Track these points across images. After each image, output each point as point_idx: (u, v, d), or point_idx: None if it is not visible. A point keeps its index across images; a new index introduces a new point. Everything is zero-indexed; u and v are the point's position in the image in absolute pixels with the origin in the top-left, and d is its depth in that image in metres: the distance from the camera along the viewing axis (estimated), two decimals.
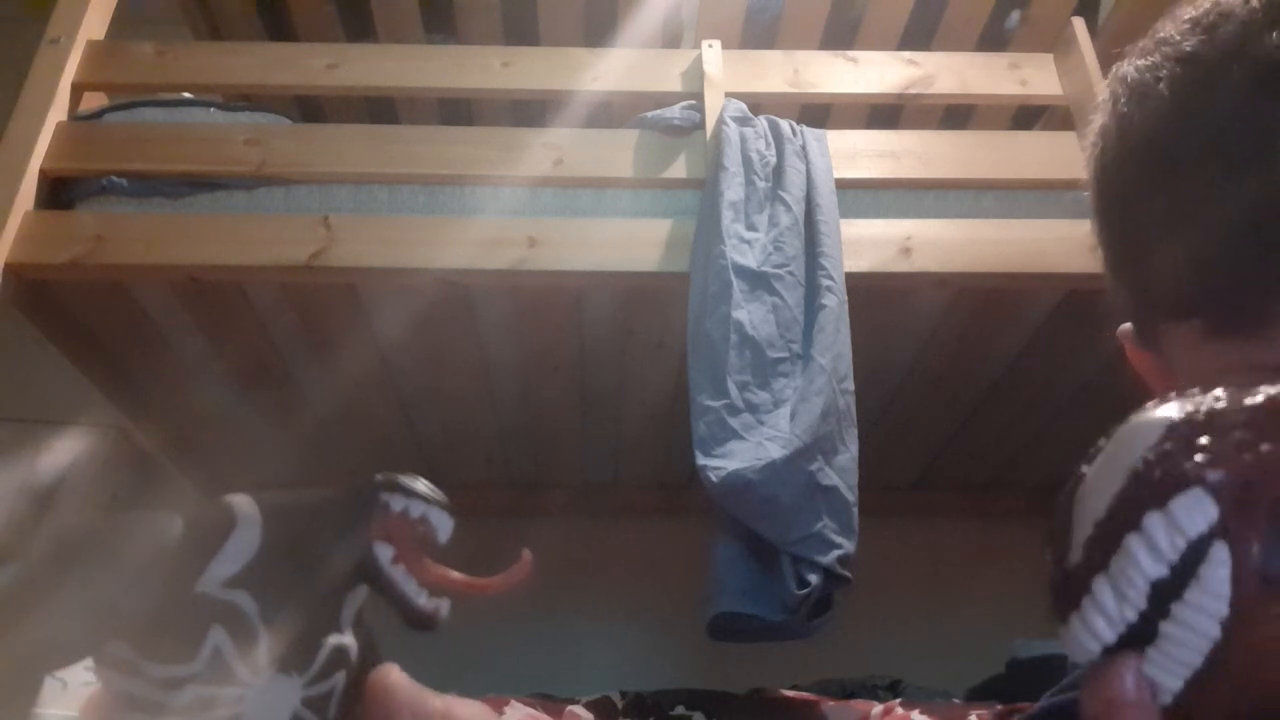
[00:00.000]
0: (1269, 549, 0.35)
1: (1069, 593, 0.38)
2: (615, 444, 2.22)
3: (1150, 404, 0.40)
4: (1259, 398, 0.38)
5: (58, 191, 1.62)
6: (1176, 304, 0.46)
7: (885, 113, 2.29)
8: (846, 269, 1.53)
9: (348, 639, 0.56)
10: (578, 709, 1.41)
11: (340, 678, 0.53)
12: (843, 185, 1.63)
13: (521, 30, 2.42)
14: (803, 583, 1.33)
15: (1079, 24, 1.80)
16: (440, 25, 2.42)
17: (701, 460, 1.35)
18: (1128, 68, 0.46)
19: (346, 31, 2.44)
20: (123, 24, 1.87)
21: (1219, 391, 0.38)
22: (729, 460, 1.34)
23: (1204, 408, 0.38)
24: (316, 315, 1.71)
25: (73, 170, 1.62)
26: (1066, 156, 1.70)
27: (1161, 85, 0.44)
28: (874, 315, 1.63)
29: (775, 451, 1.33)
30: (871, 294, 1.58)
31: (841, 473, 1.40)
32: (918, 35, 2.35)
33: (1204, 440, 0.36)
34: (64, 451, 2.08)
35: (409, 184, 1.63)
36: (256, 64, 1.81)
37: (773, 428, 1.38)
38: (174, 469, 2.24)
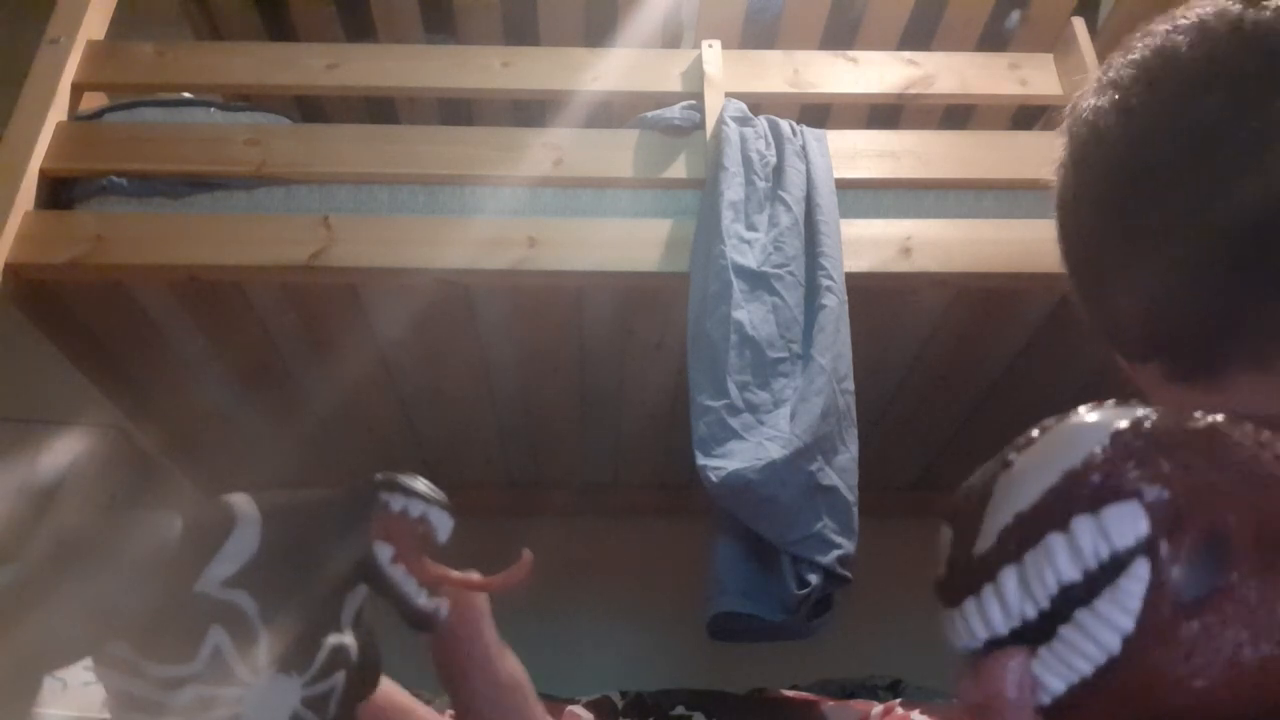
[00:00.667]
0: (1189, 575, 0.34)
1: (969, 578, 0.38)
2: (615, 444, 2.22)
3: (1090, 406, 0.39)
4: (1202, 424, 0.38)
5: (58, 191, 1.62)
6: (1136, 347, 0.46)
7: (885, 113, 2.29)
8: (846, 269, 1.53)
9: (348, 638, 0.56)
10: (578, 709, 1.41)
11: (340, 677, 0.53)
12: (843, 185, 1.63)
13: (521, 30, 2.42)
14: (803, 583, 1.33)
15: (1079, 24, 1.81)
16: (440, 25, 2.42)
17: (701, 460, 1.35)
18: (1084, 105, 0.47)
19: (346, 31, 2.44)
20: (123, 24, 1.87)
21: (1165, 410, 0.38)
22: (729, 460, 1.34)
23: (1149, 423, 0.37)
24: (316, 315, 1.71)
25: (73, 170, 1.62)
26: None
27: (1110, 132, 0.44)
28: (874, 315, 1.63)
29: (775, 451, 1.33)
30: (871, 294, 1.58)
31: (841, 473, 1.40)
32: (918, 35, 2.35)
33: (1146, 455, 0.36)
34: (64, 451, 2.08)
35: (409, 184, 1.63)
36: (256, 64, 1.81)
37: (773, 428, 1.38)
38: (174, 469, 2.24)
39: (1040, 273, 1.58)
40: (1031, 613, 0.36)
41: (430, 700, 1.41)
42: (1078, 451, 0.37)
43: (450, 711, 1.30)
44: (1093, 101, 0.46)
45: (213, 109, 1.74)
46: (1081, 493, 0.36)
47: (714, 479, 1.32)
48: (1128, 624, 0.34)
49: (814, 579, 1.32)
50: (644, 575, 2.24)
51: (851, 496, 1.39)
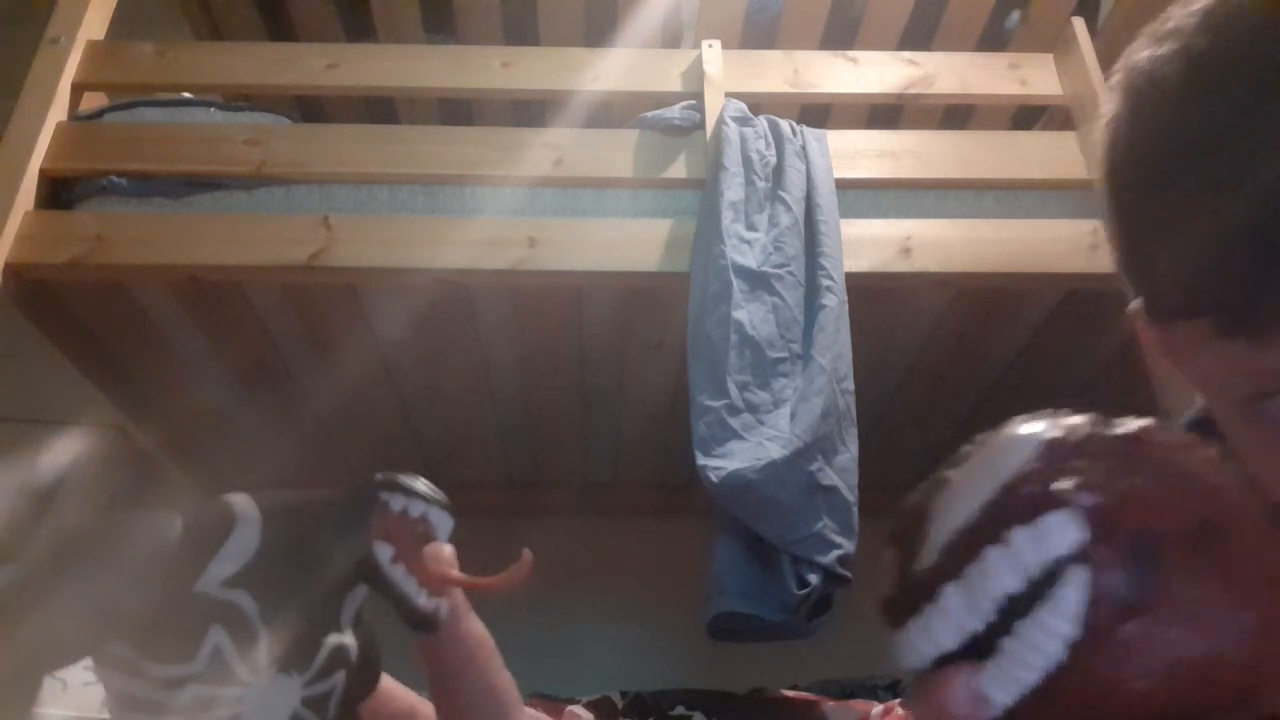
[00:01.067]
0: (1125, 579, 0.35)
1: (913, 596, 0.38)
2: (615, 444, 2.22)
3: (1022, 419, 0.40)
4: (1130, 429, 0.38)
5: (58, 191, 1.62)
6: (1185, 302, 0.46)
7: (885, 113, 2.28)
8: (846, 269, 1.53)
9: (348, 638, 0.56)
10: (578, 709, 1.41)
11: (340, 677, 0.53)
12: (843, 185, 1.63)
13: (521, 30, 2.42)
14: (803, 583, 1.33)
15: (1079, 24, 1.80)
16: (440, 25, 2.42)
17: (701, 460, 1.35)
18: (1140, 56, 0.46)
19: (346, 31, 2.44)
20: (123, 24, 1.87)
21: (1091, 418, 0.39)
22: (729, 460, 1.34)
23: (1078, 432, 0.38)
24: (316, 315, 1.71)
25: (73, 170, 1.62)
26: (1066, 156, 1.70)
27: (1170, 79, 0.43)
28: (874, 315, 1.63)
29: (775, 451, 1.33)
30: (871, 294, 1.58)
31: (841, 473, 1.40)
32: (918, 35, 2.35)
33: (1077, 464, 0.36)
34: (64, 451, 2.08)
35: (409, 184, 1.63)
36: (256, 64, 1.81)
37: (773, 428, 1.38)
38: (174, 469, 2.24)
39: (1040, 273, 1.58)
40: (976, 627, 0.36)
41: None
42: (1011, 464, 0.37)
43: None
44: (1151, 51, 0.45)
45: (213, 109, 1.74)
46: (1017, 504, 0.36)
47: (714, 479, 1.32)
48: (1070, 631, 0.34)
49: (814, 579, 1.32)
50: (644, 575, 2.24)
51: (851, 496, 1.39)
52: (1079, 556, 0.34)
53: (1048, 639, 0.34)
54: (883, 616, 0.41)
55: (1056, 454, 0.37)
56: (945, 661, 0.37)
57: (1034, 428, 0.39)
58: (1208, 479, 0.37)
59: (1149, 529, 0.35)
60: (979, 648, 0.36)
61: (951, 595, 0.36)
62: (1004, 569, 0.35)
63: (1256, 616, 0.34)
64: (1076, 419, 0.38)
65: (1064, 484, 0.35)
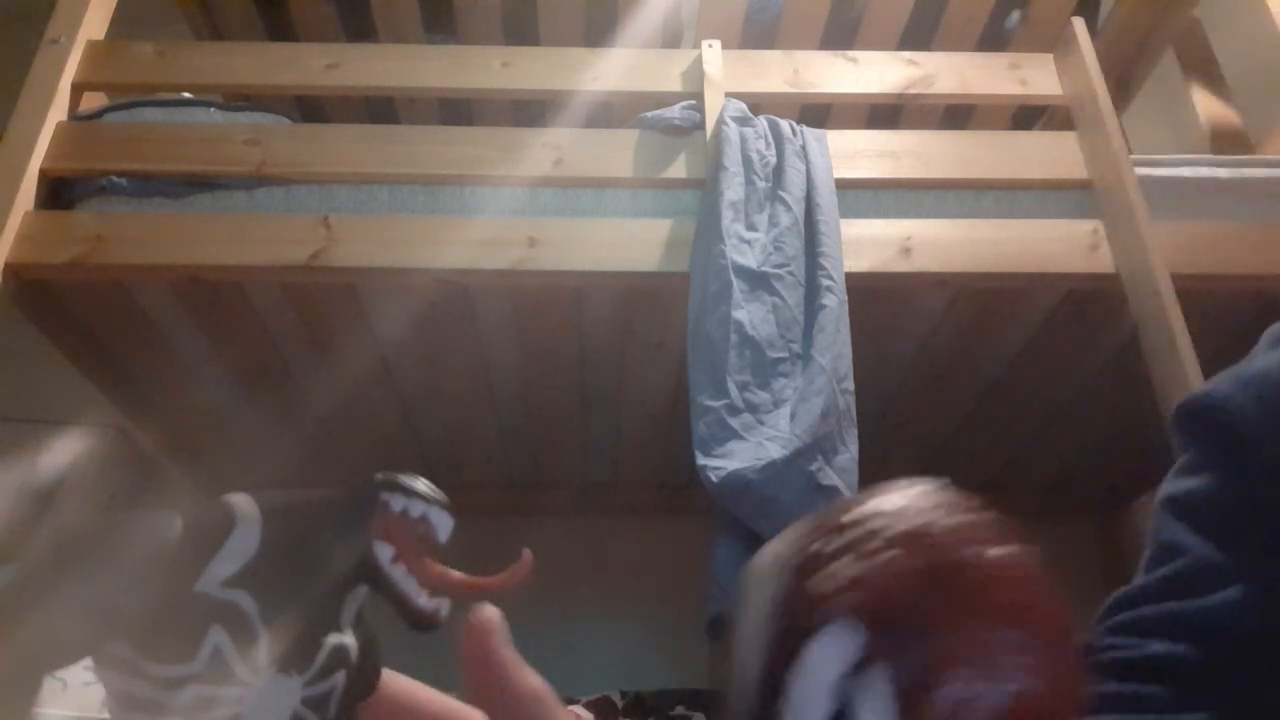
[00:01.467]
0: (915, 658, 0.34)
1: None
2: (615, 444, 2.22)
3: (773, 542, 0.40)
4: (861, 508, 0.38)
5: (58, 191, 1.62)
6: None
7: (885, 113, 2.28)
8: (846, 269, 1.53)
9: (348, 638, 0.56)
10: (578, 709, 1.41)
11: (340, 677, 0.53)
12: (843, 185, 1.63)
13: (521, 30, 2.42)
14: None
15: (1079, 24, 1.80)
16: (440, 25, 2.42)
17: (701, 460, 1.35)
18: None
19: (346, 31, 2.44)
20: (123, 24, 1.87)
21: (821, 515, 0.39)
22: (729, 460, 1.34)
23: (805, 537, 0.37)
24: (316, 315, 1.71)
25: (73, 170, 1.62)
26: (1066, 156, 1.70)
27: None
28: (874, 315, 1.63)
29: (775, 451, 1.33)
30: (871, 294, 1.58)
31: (841, 473, 1.40)
32: (918, 35, 2.35)
33: (825, 568, 0.36)
34: (64, 451, 2.08)
35: (409, 184, 1.63)
36: (256, 64, 1.81)
37: (773, 428, 1.38)
38: (174, 469, 2.24)
39: (1040, 273, 1.58)
40: None
41: None
42: (765, 595, 0.37)
43: None
44: None
45: (213, 109, 1.74)
46: (790, 634, 0.36)
47: (714, 479, 1.32)
48: None
49: None
50: (644, 575, 2.24)
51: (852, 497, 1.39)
52: (869, 657, 0.34)
53: None
54: None
55: (798, 567, 0.36)
56: None
57: (775, 545, 0.39)
58: (954, 523, 0.36)
59: (912, 603, 0.34)
60: None
61: None
62: (810, 700, 0.34)
63: (1037, 642, 0.34)
64: (802, 523, 0.38)
65: (818, 595, 0.35)
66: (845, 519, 0.38)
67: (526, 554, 0.75)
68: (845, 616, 0.34)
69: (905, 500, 0.38)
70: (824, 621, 0.34)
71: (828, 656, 0.34)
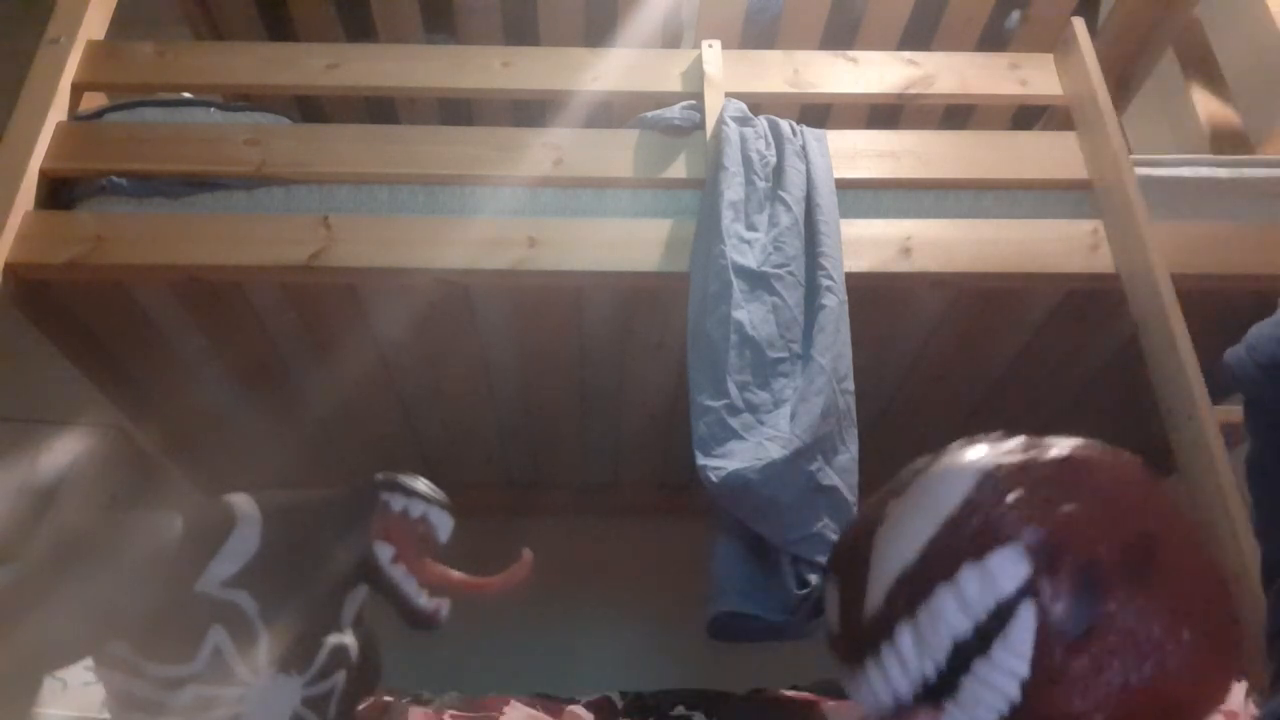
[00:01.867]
0: (1071, 611, 0.34)
1: (865, 638, 0.37)
2: (615, 444, 2.22)
3: (960, 444, 0.39)
4: (1065, 451, 0.38)
5: (58, 191, 1.62)
6: None
7: (885, 113, 2.28)
8: (846, 269, 1.53)
9: (348, 638, 0.56)
10: (578, 709, 1.41)
11: (340, 677, 0.54)
12: (843, 185, 1.63)
13: (521, 30, 2.42)
14: (803, 583, 1.33)
15: (1079, 24, 1.80)
16: (440, 25, 2.42)
17: (701, 460, 1.35)
18: None
19: (346, 31, 2.44)
20: (123, 24, 1.87)
21: (1024, 441, 0.38)
22: (729, 460, 1.34)
23: (1014, 459, 0.37)
24: (316, 315, 1.71)
25: (73, 170, 1.62)
26: (1066, 156, 1.70)
27: None
28: (874, 315, 1.63)
29: (775, 451, 1.33)
30: (871, 294, 1.58)
31: (841, 473, 1.40)
32: (918, 35, 2.35)
33: (1017, 494, 0.35)
34: (64, 451, 2.08)
35: (409, 184, 1.63)
36: (256, 64, 1.81)
37: (773, 428, 1.37)
38: (174, 469, 2.24)
39: (1040, 273, 1.58)
40: (931, 670, 0.35)
41: (430, 700, 1.42)
42: (952, 497, 0.36)
43: (450, 711, 1.30)
44: None
45: (213, 109, 1.74)
46: (963, 542, 0.35)
47: (714, 479, 1.32)
48: (1023, 669, 0.34)
49: (814, 579, 1.32)
50: (644, 575, 2.24)
51: (851, 496, 1.39)
52: (1026, 592, 0.34)
53: (1003, 678, 0.34)
54: (832, 653, 0.40)
55: (995, 484, 0.36)
56: (905, 703, 0.36)
57: (970, 457, 0.38)
58: (1142, 494, 0.36)
59: (1091, 558, 0.34)
60: (938, 688, 0.36)
61: (905, 639, 0.35)
62: (953, 611, 0.34)
63: (1192, 633, 0.34)
64: (1010, 444, 0.38)
65: (1008, 517, 0.35)
66: (1063, 457, 0.37)
67: (526, 554, 0.75)
68: (1024, 546, 0.34)
69: (1119, 467, 0.38)
70: (1004, 543, 0.34)
71: (1002, 572, 0.34)
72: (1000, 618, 0.35)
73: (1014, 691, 0.34)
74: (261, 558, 0.50)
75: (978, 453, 0.38)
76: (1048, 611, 0.34)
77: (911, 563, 0.37)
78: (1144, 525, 0.36)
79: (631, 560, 2.28)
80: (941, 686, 0.36)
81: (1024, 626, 0.34)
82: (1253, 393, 0.47)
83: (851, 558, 0.40)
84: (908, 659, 0.36)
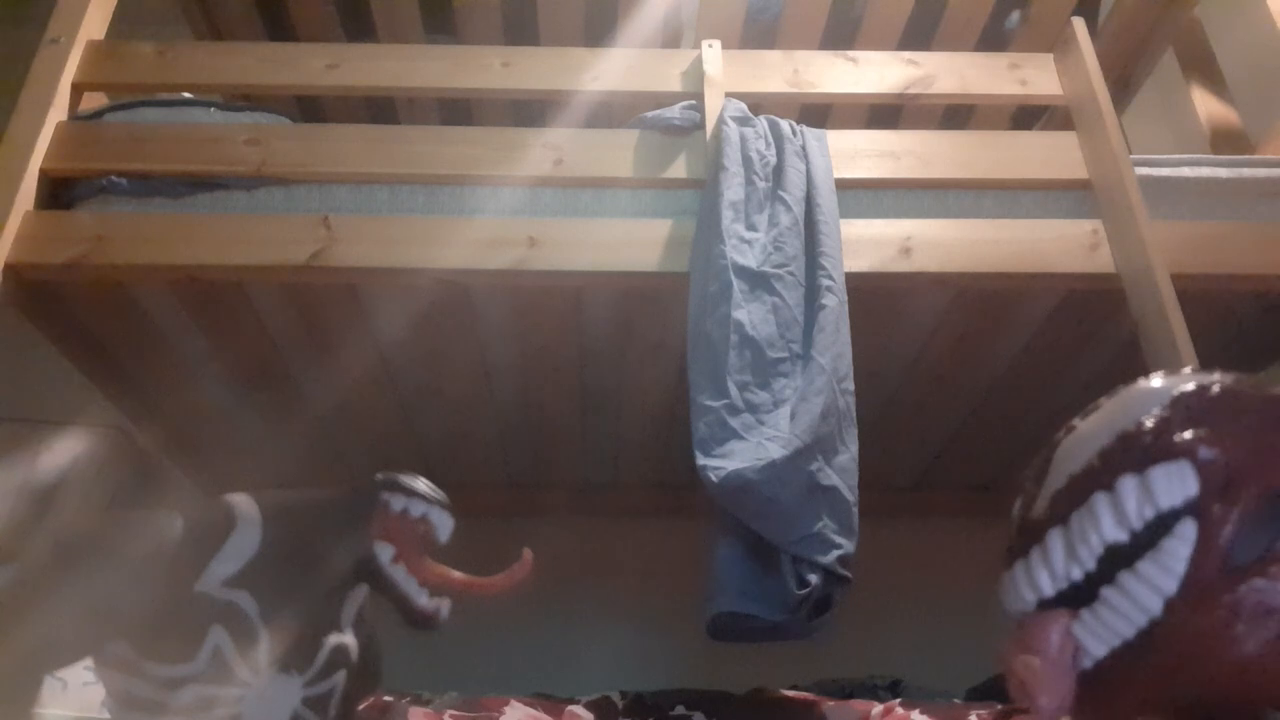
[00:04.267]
0: (1241, 538, 0.33)
1: (1021, 541, 0.37)
2: (615, 444, 2.22)
3: (1165, 372, 0.38)
4: (1278, 390, 0.37)
5: (58, 191, 1.62)
6: None
7: (885, 113, 2.29)
8: (846, 269, 1.53)
9: (348, 638, 0.56)
10: (578, 709, 1.41)
11: (341, 677, 0.54)
12: (843, 185, 1.63)
13: (521, 30, 2.42)
14: (803, 583, 1.33)
15: (1079, 24, 1.80)
16: (440, 25, 2.42)
17: (701, 460, 1.35)
18: None
19: (346, 31, 2.44)
20: (123, 24, 1.87)
21: (1240, 377, 0.37)
22: (729, 460, 1.34)
23: (1217, 387, 0.36)
24: (316, 315, 1.71)
25: (73, 170, 1.62)
26: (1066, 156, 1.70)
27: None
28: (874, 315, 1.63)
29: (775, 451, 1.33)
30: (871, 294, 1.58)
31: (841, 473, 1.40)
32: (918, 35, 2.35)
33: (1210, 417, 0.35)
34: (64, 451, 2.08)
35: (409, 184, 1.63)
36: (256, 64, 1.81)
37: (773, 428, 1.37)
38: (174, 469, 2.24)
39: (1040, 273, 1.58)
40: (1078, 574, 0.35)
41: (430, 700, 1.42)
42: (1135, 413, 0.36)
43: (450, 711, 1.30)
44: None
45: (213, 109, 1.74)
46: (1131, 453, 0.35)
47: (714, 479, 1.32)
48: (1170, 585, 0.33)
49: (814, 579, 1.32)
50: (644, 575, 2.24)
51: (851, 496, 1.39)
52: (1191, 510, 0.33)
53: (1146, 591, 0.33)
54: (1004, 562, 0.40)
55: (1186, 406, 0.35)
56: (1047, 607, 0.36)
57: (1170, 380, 0.38)
58: None
59: (1276, 487, 0.33)
60: (1080, 597, 0.35)
61: (1055, 542, 0.35)
62: (1108, 517, 0.34)
63: None
64: (1223, 375, 0.37)
65: (1184, 436, 0.34)
66: (1259, 393, 0.36)
67: (526, 554, 0.75)
68: (1195, 464, 0.33)
69: None
70: (1173, 458, 0.33)
71: (1163, 486, 0.33)
72: (1157, 531, 0.34)
73: (1155, 607, 0.33)
74: (262, 558, 0.50)
75: (1180, 377, 0.37)
76: (1213, 532, 0.33)
77: (1078, 470, 0.36)
78: None
79: (631, 560, 2.28)
80: (1082, 595, 0.35)
81: (1180, 543, 0.33)
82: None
83: (1037, 466, 0.39)
84: (1055, 562, 0.35)
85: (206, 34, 2.48)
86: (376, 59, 1.85)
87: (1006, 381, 1.92)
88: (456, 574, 0.69)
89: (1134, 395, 0.39)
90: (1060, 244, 1.59)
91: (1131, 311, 1.51)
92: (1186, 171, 1.69)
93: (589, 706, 1.44)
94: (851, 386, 1.46)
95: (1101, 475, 0.36)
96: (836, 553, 1.34)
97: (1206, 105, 2.11)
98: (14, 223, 1.51)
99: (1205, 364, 1.37)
